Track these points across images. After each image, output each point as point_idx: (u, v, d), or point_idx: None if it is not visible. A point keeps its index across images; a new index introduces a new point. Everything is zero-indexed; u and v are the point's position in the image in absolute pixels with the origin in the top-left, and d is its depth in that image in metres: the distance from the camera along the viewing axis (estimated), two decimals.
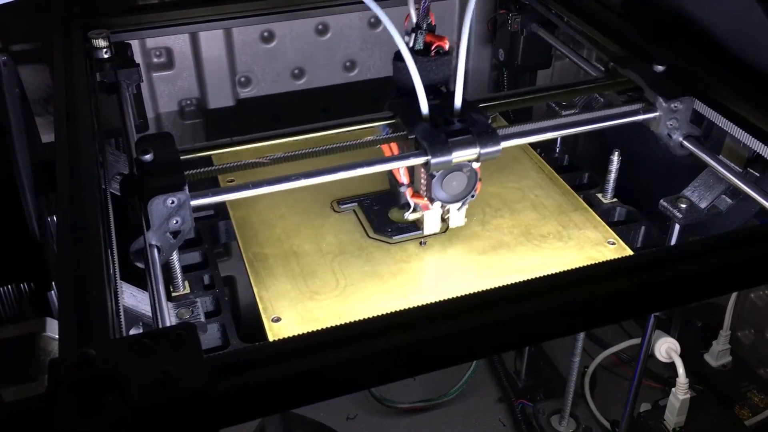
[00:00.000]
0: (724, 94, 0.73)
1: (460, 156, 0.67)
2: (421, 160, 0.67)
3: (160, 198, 0.60)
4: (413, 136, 0.68)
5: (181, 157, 0.65)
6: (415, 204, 0.73)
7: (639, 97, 0.76)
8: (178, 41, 1.01)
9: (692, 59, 0.79)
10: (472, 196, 0.72)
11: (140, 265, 0.61)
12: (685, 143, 0.74)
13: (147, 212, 0.60)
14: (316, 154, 0.68)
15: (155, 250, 0.61)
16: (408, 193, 0.73)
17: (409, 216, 0.75)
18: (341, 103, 1.13)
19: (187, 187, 0.62)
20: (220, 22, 0.93)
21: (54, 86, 0.73)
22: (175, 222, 0.62)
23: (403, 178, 0.73)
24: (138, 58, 0.97)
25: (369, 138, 0.71)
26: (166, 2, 0.98)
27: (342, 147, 0.69)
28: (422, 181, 0.71)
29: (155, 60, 1.02)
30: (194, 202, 0.63)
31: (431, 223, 0.76)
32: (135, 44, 0.95)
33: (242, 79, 1.07)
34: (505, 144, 0.69)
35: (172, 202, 0.61)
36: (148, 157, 0.63)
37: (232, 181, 0.84)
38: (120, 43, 0.86)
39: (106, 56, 0.82)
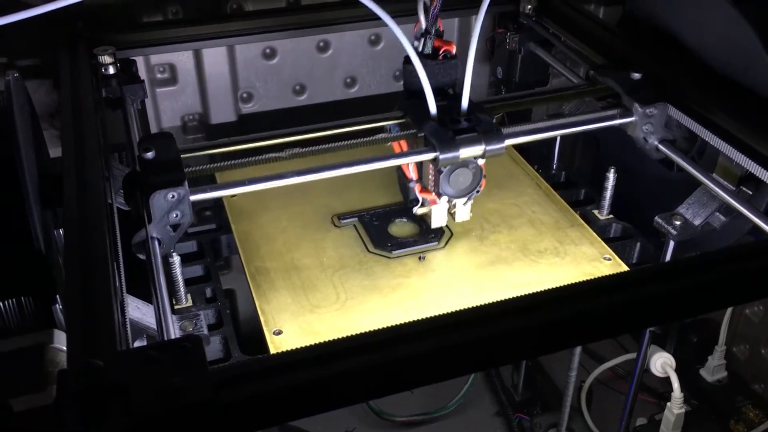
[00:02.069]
0: (699, 100, 0.76)
1: (466, 152, 0.70)
2: (430, 156, 0.71)
3: (161, 193, 0.63)
4: (422, 134, 0.72)
5: (182, 156, 0.68)
6: (423, 199, 0.76)
7: (617, 103, 0.80)
8: (181, 58, 1.02)
9: (669, 69, 0.82)
10: (477, 192, 0.75)
11: (141, 256, 0.64)
12: (661, 147, 0.78)
13: (148, 206, 0.63)
14: (328, 150, 0.71)
15: (156, 243, 0.64)
16: (417, 188, 0.76)
17: (418, 210, 0.78)
18: (342, 120, 1.14)
19: (186, 183, 0.64)
20: (223, 39, 0.95)
21: (60, 102, 0.75)
22: (175, 215, 0.65)
23: (412, 174, 0.76)
24: (142, 73, 0.98)
25: (381, 135, 0.74)
26: (171, 20, 0.99)
27: (353, 144, 0.72)
28: (430, 176, 0.74)
29: (159, 76, 1.03)
30: (193, 197, 0.65)
31: (438, 217, 0.79)
32: (139, 60, 0.96)
33: (244, 95, 1.09)
34: (510, 142, 0.73)
35: (173, 197, 0.64)
36: (149, 154, 0.66)
37: (234, 195, 0.85)
38: (125, 59, 0.87)
39: (111, 72, 0.83)
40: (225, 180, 0.76)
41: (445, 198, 0.75)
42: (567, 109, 0.94)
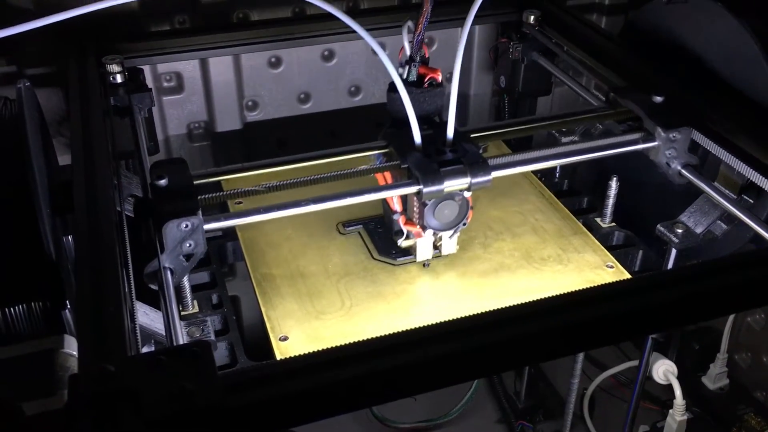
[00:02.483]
0: (722, 124, 0.75)
1: (451, 185, 0.68)
2: (413, 189, 0.69)
3: (174, 222, 0.62)
4: (406, 166, 0.70)
5: (195, 182, 0.67)
6: (408, 231, 0.74)
7: (638, 127, 0.78)
8: (188, 66, 1.04)
9: (690, 90, 0.81)
10: (464, 224, 0.74)
11: (154, 287, 0.63)
12: (684, 172, 0.76)
13: (161, 235, 0.62)
14: (314, 182, 0.70)
15: (169, 273, 0.63)
16: (401, 220, 0.74)
17: (403, 243, 0.76)
18: (346, 127, 1.15)
19: (200, 212, 0.63)
20: (229, 49, 0.96)
21: (70, 110, 0.76)
22: (188, 245, 0.63)
23: (397, 206, 0.74)
24: (149, 82, 0.99)
25: (363, 167, 0.72)
26: (178, 29, 1.01)
27: (338, 176, 0.71)
28: (415, 209, 0.72)
29: (165, 84, 1.05)
30: (207, 226, 0.64)
31: (423, 250, 0.77)
32: (146, 69, 0.97)
33: (249, 103, 1.10)
34: (496, 174, 0.70)
35: (186, 226, 0.63)
36: (162, 182, 0.65)
37: (240, 202, 0.86)
38: (133, 68, 0.88)
39: (119, 81, 0.84)
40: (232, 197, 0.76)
41: (430, 231, 0.74)
42: (578, 129, 0.94)
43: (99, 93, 0.80)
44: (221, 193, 0.68)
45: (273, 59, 1.08)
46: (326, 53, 1.10)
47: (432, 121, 0.73)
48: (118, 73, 0.84)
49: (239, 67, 1.06)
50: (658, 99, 0.78)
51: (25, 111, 0.65)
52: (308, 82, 1.11)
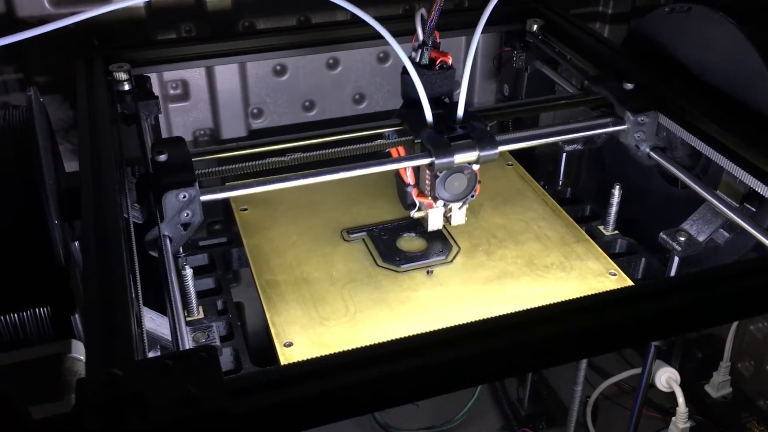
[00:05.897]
0: (693, 113, 0.78)
1: (461, 158, 0.73)
2: (426, 161, 0.73)
3: (173, 193, 0.67)
4: (419, 141, 0.74)
5: (193, 159, 0.71)
6: (420, 203, 0.78)
7: (610, 112, 0.83)
8: (194, 74, 1.04)
9: (665, 82, 0.84)
10: (472, 196, 0.77)
11: (154, 253, 0.67)
12: (652, 154, 0.81)
13: (161, 206, 0.66)
14: (328, 156, 0.73)
15: (168, 240, 0.67)
16: (414, 193, 0.78)
17: (415, 214, 0.80)
18: (343, 126, 1.16)
19: (197, 184, 0.68)
20: (235, 57, 0.96)
21: (77, 117, 0.76)
22: (186, 215, 0.68)
23: (410, 179, 0.78)
24: (155, 89, 1.00)
25: (379, 141, 0.77)
26: (184, 37, 1.01)
27: (352, 150, 0.75)
28: (427, 181, 0.76)
29: (171, 92, 1.05)
30: (204, 198, 0.68)
31: (434, 220, 0.81)
32: (152, 76, 0.98)
33: (255, 110, 1.11)
34: (503, 148, 0.76)
35: (184, 197, 0.67)
36: (162, 157, 0.70)
37: (245, 209, 0.87)
38: (139, 75, 0.89)
39: (126, 88, 0.85)
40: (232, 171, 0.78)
41: (441, 202, 0.77)
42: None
43: (106, 100, 0.80)
44: (222, 168, 0.71)
45: (278, 67, 1.08)
46: (331, 61, 1.10)
47: (443, 103, 0.77)
48: (125, 80, 0.85)
49: (245, 75, 1.07)
50: (629, 86, 0.83)
51: (35, 118, 0.65)
52: (313, 90, 1.12)
